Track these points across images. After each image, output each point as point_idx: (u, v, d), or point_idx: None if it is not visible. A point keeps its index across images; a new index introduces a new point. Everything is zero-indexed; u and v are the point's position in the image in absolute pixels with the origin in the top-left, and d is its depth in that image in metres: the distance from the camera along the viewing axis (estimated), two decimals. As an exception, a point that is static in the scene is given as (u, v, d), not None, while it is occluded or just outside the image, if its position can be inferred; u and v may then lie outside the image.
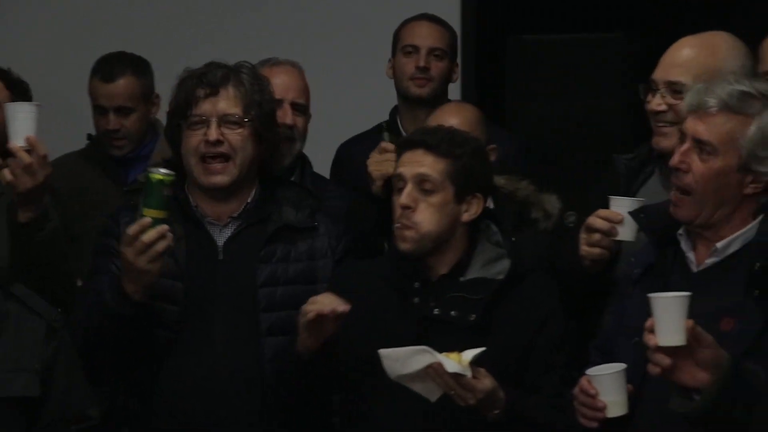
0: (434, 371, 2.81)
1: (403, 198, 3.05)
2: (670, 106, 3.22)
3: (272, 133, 3.27)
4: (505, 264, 3.10)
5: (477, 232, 3.13)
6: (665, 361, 2.58)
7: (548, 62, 4.90)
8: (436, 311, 3.04)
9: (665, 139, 3.24)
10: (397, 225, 3.07)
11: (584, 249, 3.20)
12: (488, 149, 3.45)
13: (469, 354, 2.83)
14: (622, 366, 2.76)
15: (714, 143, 2.80)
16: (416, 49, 4.31)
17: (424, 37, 4.35)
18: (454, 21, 4.76)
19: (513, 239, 3.28)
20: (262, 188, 3.28)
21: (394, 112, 4.36)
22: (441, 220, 3.06)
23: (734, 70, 3.17)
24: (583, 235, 3.20)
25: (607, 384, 2.76)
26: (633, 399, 2.77)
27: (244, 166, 3.20)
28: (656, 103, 3.26)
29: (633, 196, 3.25)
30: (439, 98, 4.28)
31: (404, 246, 3.06)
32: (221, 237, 3.23)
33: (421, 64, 4.29)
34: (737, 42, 3.30)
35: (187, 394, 3.14)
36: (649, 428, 2.77)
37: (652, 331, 2.59)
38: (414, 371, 2.82)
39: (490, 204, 3.50)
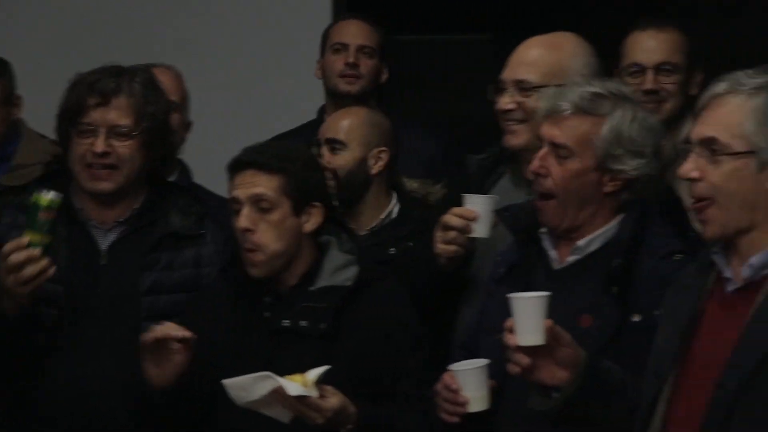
0: (279, 395, 2.82)
1: (242, 221, 3.04)
2: (519, 104, 3.29)
3: (164, 142, 3.26)
4: (353, 271, 3.11)
5: (324, 240, 3.16)
6: (524, 360, 2.64)
7: (420, 63, 4.97)
8: (286, 323, 3.05)
9: (515, 137, 3.31)
10: (244, 249, 3.07)
11: (440, 247, 3.25)
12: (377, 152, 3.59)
13: (314, 373, 2.84)
14: (484, 361, 2.82)
15: (570, 145, 2.88)
16: (345, 46, 4.36)
17: (354, 34, 4.40)
18: (325, 21, 4.81)
19: (410, 244, 3.39)
20: (150, 193, 3.26)
21: (322, 111, 4.39)
22: (283, 236, 3.07)
23: (579, 68, 3.27)
24: (438, 234, 3.26)
25: (469, 379, 2.81)
26: (496, 395, 2.83)
27: (131, 175, 3.18)
28: (504, 102, 3.32)
29: (486, 194, 3.31)
30: (367, 96, 4.34)
31: (255, 271, 3.06)
32: (105, 241, 3.21)
33: (351, 60, 4.34)
34: (582, 41, 3.39)
35: (63, 400, 3.11)
36: (510, 424, 2.83)
37: (512, 330, 2.64)
38: (260, 397, 2.83)
39: (395, 209, 3.62)
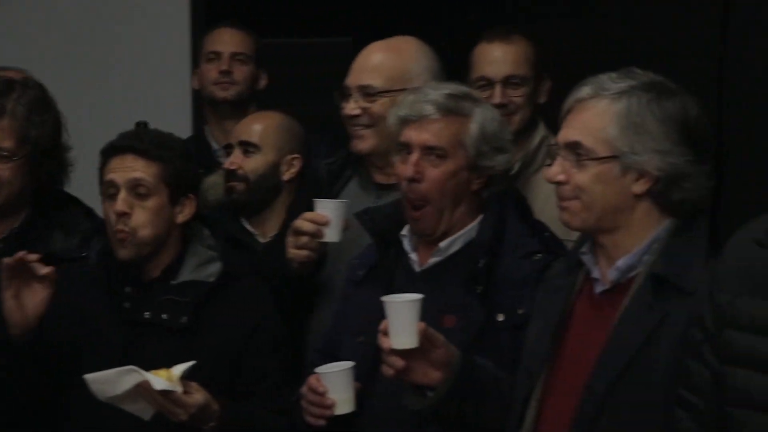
0: (143, 390, 2.83)
1: (119, 205, 3.06)
2: (364, 110, 3.37)
3: (51, 161, 3.23)
4: (216, 266, 3.14)
5: (189, 234, 3.19)
6: (399, 363, 2.69)
7: (281, 66, 5.04)
8: (146, 315, 3.07)
9: (362, 142, 3.39)
10: (115, 232, 3.08)
11: (291, 252, 3.30)
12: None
13: (179, 369, 2.86)
14: (350, 364, 2.85)
15: (444, 146, 2.95)
16: (218, 54, 4.47)
17: (226, 42, 4.52)
18: (184, 27, 5.02)
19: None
20: (33, 212, 3.24)
21: (202, 122, 4.50)
22: (157, 224, 3.10)
23: (420, 72, 3.39)
24: (290, 239, 3.31)
25: (335, 381, 2.84)
26: (360, 396, 2.86)
27: (11, 196, 3.18)
28: (350, 107, 3.39)
29: (335, 198, 3.38)
30: (245, 103, 4.45)
31: (123, 253, 3.08)
32: None
33: (224, 67, 4.45)
34: (423, 45, 3.50)
35: None
36: (378, 426, 2.89)
37: (386, 333, 2.68)
38: (123, 392, 2.83)
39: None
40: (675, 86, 2.74)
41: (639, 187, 2.66)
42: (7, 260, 2.96)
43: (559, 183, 2.67)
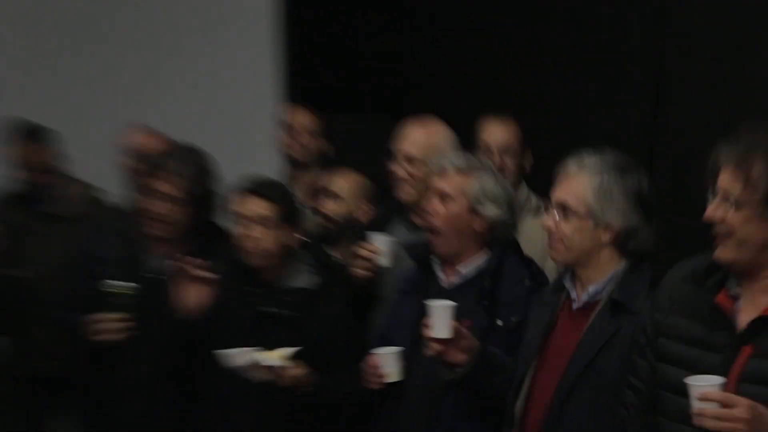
0: (261, 365, 3.69)
1: (250, 231, 3.97)
2: (408, 172, 4.26)
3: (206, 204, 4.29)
4: (316, 278, 4.08)
5: (296, 254, 4.14)
6: (437, 347, 3.42)
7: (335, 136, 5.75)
8: (267, 309, 3.97)
9: (405, 194, 4.28)
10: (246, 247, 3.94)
11: (355, 272, 4.15)
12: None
13: (286, 351, 3.74)
14: (397, 348, 3.69)
15: (450, 193, 3.74)
16: (292, 129, 5.27)
17: (300, 121, 5.34)
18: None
19: None
20: (200, 239, 4.20)
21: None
22: (277, 245, 4.03)
23: (446, 145, 4.27)
24: (354, 262, 4.14)
25: (387, 360, 3.69)
26: (405, 371, 3.70)
27: (178, 229, 4.18)
28: (397, 169, 4.26)
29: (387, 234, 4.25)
30: (312, 165, 5.25)
31: (255, 261, 4.01)
32: None
33: (303, 141, 5.28)
34: (445, 126, 4.34)
35: None
36: (416, 390, 3.69)
37: (428, 327, 3.41)
38: (247, 363, 3.71)
39: None
40: (633, 163, 3.25)
41: (605, 237, 3.21)
42: (177, 264, 3.76)
43: (550, 231, 3.27)
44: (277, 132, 5.47)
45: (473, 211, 3.72)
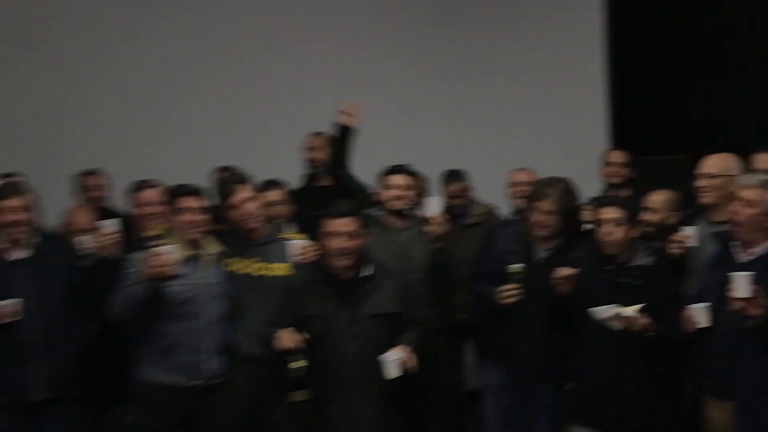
0: (617, 316, 5.31)
1: None
2: (710, 185, 5.89)
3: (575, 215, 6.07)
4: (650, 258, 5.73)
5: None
6: (741, 304, 4.98)
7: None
8: (623, 280, 5.57)
9: (707, 198, 5.88)
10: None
11: (673, 252, 5.80)
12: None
13: (636, 307, 5.33)
14: (707, 304, 5.28)
15: (753, 200, 5.32)
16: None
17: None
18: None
19: None
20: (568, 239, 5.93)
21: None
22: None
23: (737, 171, 5.81)
24: (672, 246, 5.77)
25: (699, 312, 5.27)
26: (712, 320, 5.26)
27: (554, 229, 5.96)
28: (703, 182, 5.89)
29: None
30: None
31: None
32: None
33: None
34: (735, 156, 5.86)
35: None
36: (721, 335, 5.22)
37: (733, 290, 4.96)
38: (611, 315, 5.35)
39: None
40: None
41: None
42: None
43: None
44: (600, 165, 7.56)
45: (766, 214, 5.24)
